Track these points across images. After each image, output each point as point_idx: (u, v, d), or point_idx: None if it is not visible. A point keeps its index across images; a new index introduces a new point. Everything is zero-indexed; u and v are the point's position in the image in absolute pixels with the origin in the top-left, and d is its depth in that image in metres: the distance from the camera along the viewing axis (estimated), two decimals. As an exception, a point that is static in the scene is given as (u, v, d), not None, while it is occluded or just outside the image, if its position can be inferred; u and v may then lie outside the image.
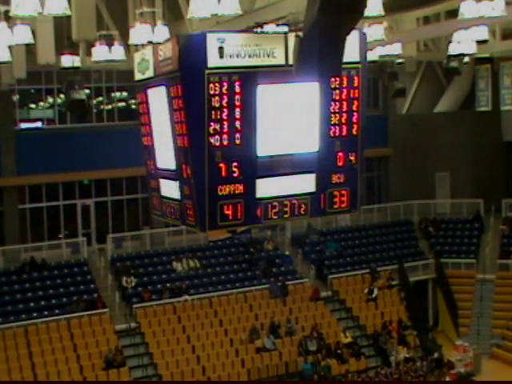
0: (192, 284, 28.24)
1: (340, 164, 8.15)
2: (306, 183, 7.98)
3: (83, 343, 25.11)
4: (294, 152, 7.94)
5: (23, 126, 29.82)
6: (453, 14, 18.70)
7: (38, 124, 30.29)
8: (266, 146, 7.75)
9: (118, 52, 18.70)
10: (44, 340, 24.96)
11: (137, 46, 17.24)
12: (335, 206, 8.24)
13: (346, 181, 8.20)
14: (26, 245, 28.68)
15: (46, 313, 26.00)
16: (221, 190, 7.47)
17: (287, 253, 31.18)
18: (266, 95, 7.64)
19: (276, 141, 7.80)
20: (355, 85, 8.12)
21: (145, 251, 29.81)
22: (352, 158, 8.21)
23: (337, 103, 8.02)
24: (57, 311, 26.15)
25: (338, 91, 8.01)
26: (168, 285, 27.99)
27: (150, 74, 8.11)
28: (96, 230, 30.75)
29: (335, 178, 8.13)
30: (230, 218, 7.58)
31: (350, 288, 29.79)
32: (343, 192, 8.21)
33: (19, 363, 23.94)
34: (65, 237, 29.86)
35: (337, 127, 8.06)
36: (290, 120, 7.82)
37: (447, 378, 25.88)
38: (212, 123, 7.36)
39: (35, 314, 25.84)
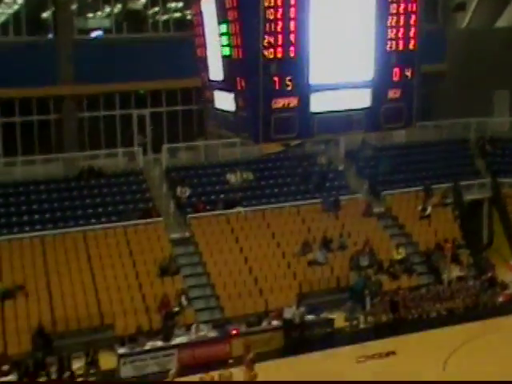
0: (245, 196, 28.71)
1: (396, 79, 8.08)
2: (361, 98, 7.95)
3: (139, 250, 25.85)
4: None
5: (94, 34, 30.47)
6: None
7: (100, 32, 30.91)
8: (320, 59, 7.71)
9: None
10: (102, 245, 25.77)
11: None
12: (390, 122, 8.22)
13: (401, 96, 8.15)
14: (84, 153, 29.44)
15: (103, 219, 26.84)
16: (275, 103, 7.50)
17: (341, 168, 31.36)
18: (321, 8, 7.56)
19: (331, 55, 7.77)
20: (413, -2, 7.97)
21: (199, 163, 30.27)
22: (408, 73, 8.13)
23: (394, 17, 7.88)
24: (113, 218, 26.95)
25: (395, 5, 7.87)
26: (222, 196, 28.51)
27: (205, -16, 8.09)
28: (151, 140, 31.38)
29: (391, 94, 8.08)
30: (284, 131, 7.64)
31: (404, 205, 29.82)
32: (399, 107, 8.16)
33: (79, 265, 24.89)
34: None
35: (393, 42, 7.95)
36: (346, 35, 7.74)
37: (500, 299, 26.05)
38: (267, 36, 7.33)
39: (93, 220, 26.73)
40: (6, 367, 21.30)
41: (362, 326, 24.32)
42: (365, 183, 30.56)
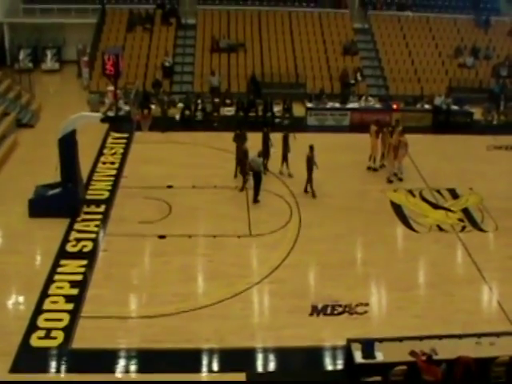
0: (414, 3, 31.63)
1: None
2: None
3: (329, 32, 29.84)
4: None
5: None
6: None
7: None
8: None
9: None
10: (302, 24, 29.98)
11: None
12: None
13: None
14: None
15: (304, 4, 30.89)
16: None
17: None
18: None
19: None
20: None
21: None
22: None
23: None
24: (312, 4, 30.91)
25: None
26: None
27: None
28: None
29: None
30: None
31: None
32: None
33: (284, 37, 29.12)
34: None
35: None
36: None
37: None
38: None
39: (297, 3, 31.03)
40: (228, 101, 26.02)
41: (494, 122, 26.34)
42: (512, 8, 31.92)
